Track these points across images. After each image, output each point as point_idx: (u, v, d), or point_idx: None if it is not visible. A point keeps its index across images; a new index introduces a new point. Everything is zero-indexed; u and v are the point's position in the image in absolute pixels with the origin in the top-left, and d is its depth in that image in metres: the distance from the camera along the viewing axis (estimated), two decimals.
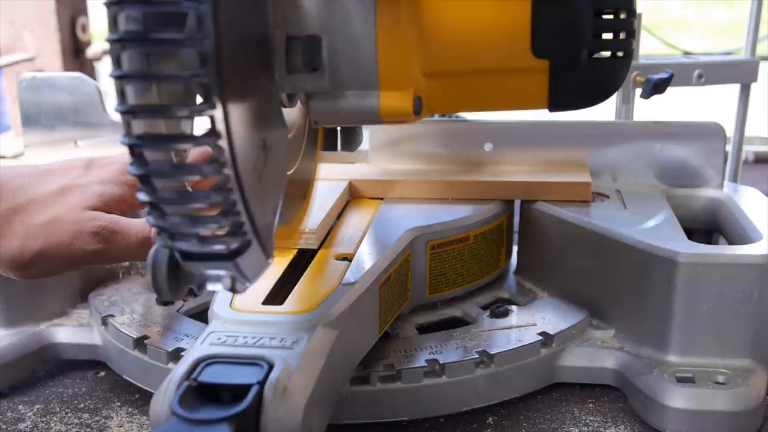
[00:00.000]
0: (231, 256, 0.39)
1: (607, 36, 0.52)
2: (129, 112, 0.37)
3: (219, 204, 0.38)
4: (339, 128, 0.63)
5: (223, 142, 0.36)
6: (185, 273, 0.41)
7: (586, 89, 0.52)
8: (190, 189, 0.39)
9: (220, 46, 0.35)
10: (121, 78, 0.36)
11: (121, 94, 0.37)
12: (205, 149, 0.37)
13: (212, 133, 0.36)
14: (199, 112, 0.36)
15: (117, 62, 0.36)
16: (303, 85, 0.49)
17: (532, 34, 0.50)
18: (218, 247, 0.39)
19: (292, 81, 0.49)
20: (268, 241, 0.42)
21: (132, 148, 0.37)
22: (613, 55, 0.52)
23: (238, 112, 0.38)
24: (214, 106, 0.36)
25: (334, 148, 0.64)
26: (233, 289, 0.41)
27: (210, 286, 0.41)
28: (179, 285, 0.42)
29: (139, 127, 0.37)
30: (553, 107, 0.53)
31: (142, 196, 0.38)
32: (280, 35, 0.48)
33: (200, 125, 0.38)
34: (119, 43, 0.36)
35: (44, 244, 0.53)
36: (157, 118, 0.38)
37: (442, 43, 0.51)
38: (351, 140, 0.62)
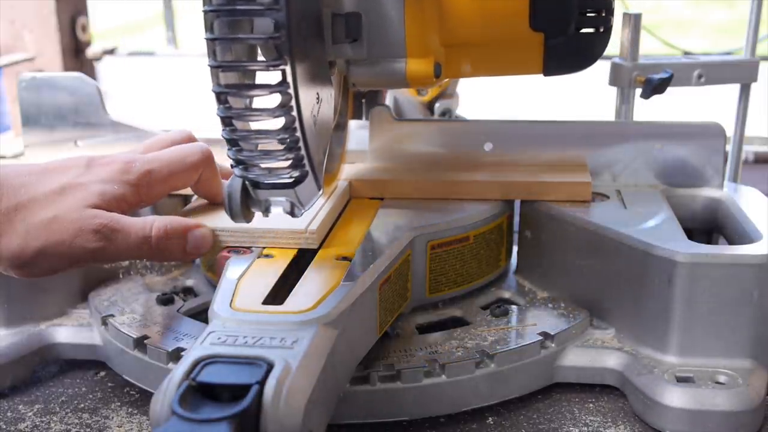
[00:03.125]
0: (293, 185, 0.51)
1: (591, 14, 0.63)
2: (218, 67, 0.48)
3: (285, 140, 0.49)
4: (363, 100, 0.77)
5: (291, 91, 0.47)
6: (254, 199, 0.52)
7: (574, 58, 0.64)
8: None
9: (290, 17, 0.46)
10: (213, 40, 0.48)
11: (213, 54, 0.48)
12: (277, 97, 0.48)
13: (283, 83, 0.47)
14: (275, 66, 0.47)
15: (210, 27, 0.47)
16: (346, 53, 0.60)
17: (531, 12, 0.61)
18: (282, 177, 0.50)
19: (336, 49, 0.58)
20: (319, 174, 0.53)
21: (219, 96, 0.48)
22: (596, 29, 0.63)
23: (300, 68, 0.48)
24: (285, 63, 0.47)
25: (360, 117, 0.78)
26: (292, 213, 0.53)
27: (273, 209, 0.53)
28: (249, 209, 0.53)
29: (225, 78, 0.49)
30: (547, 72, 0.64)
31: (225, 134, 0.49)
32: (328, 12, 0.57)
33: (270, 78, 0.48)
34: (213, 12, 0.47)
35: (45, 243, 0.53)
36: (240, 71, 0.49)
37: (457, 19, 0.62)
38: (374, 102, 0.76)
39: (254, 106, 0.50)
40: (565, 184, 0.69)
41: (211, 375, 0.42)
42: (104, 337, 0.63)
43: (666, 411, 0.54)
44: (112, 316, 0.63)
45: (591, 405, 0.58)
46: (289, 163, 0.50)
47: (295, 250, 0.59)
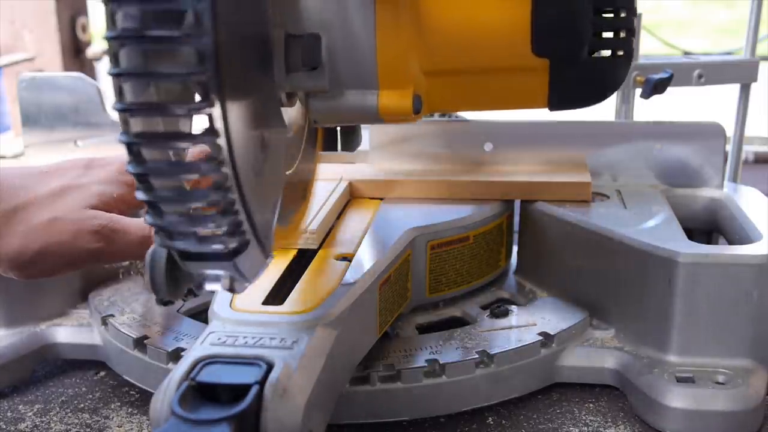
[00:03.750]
0: (230, 256, 0.39)
1: (608, 35, 0.52)
2: (127, 110, 0.36)
3: (217, 203, 0.38)
4: (339, 128, 0.63)
5: (221, 141, 0.36)
6: (183, 272, 0.41)
7: (586, 88, 0.53)
8: (188, 188, 0.39)
9: (219, 44, 0.35)
10: (118, 75, 0.36)
11: (119, 92, 0.36)
12: (204, 148, 0.37)
13: (211, 131, 0.36)
14: (198, 110, 0.36)
15: (115, 60, 0.36)
16: (302, 84, 0.49)
17: (532, 33, 0.50)
18: (217, 247, 0.39)
19: (291, 80, 0.48)
20: (266, 240, 0.42)
21: (130, 147, 0.37)
22: (614, 54, 0.52)
23: (236, 110, 0.37)
24: (212, 104, 0.35)
25: (334, 149, 0.64)
26: (232, 289, 0.41)
27: (208, 286, 0.41)
28: (177, 285, 0.41)
29: (137, 125, 0.37)
30: (553, 106, 0.53)
31: (140, 195, 0.38)
32: (279, 34, 0.47)
33: (199, 124, 0.37)
34: (117, 40, 0.36)
35: (45, 244, 0.53)
36: (155, 117, 0.38)
37: (442, 42, 0.51)
38: (351, 140, 0.62)
39: (176, 159, 0.39)
40: (565, 184, 0.69)
41: (211, 375, 0.42)
42: (104, 337, 0.63)
43: (666, 411, 0.54)
44: (112, 316, 0.63)
45: (591, 405, 0.58)
46: (224, 230, 0.39)
47: (295, 250, 0.59)
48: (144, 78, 0.37)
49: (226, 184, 0.37)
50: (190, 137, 0.37)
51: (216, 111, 0.36)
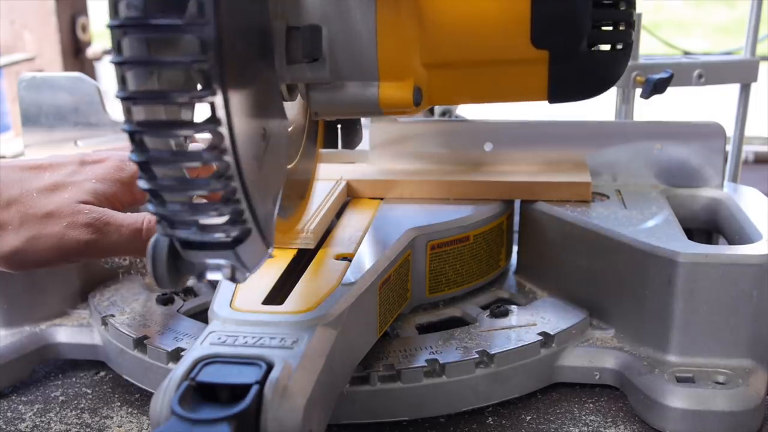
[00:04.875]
0: (231, 245, 0.39)
1: (607, 27, 0.52)
2: (129, 99, 0.37)
3: (219, 191, 0.38)
4: (339, 125, 0.63)
5: (223, 129, 0.36)
6: (185, 262, 0.40)
7: (586, 81, 0.53)
8: (189, 177, 0.39)
9: (221, 33, 0.35)
10: (121, 64, 0.36)
11: (122, 81, 0.37)
12: (206, 136, 0.37)
13: (212, 119, 0.36)
14: (200, 98, 0.36)
15: (118, 48, 0.36)
16: (303, 76, 0.49)
17: (532, 25, 0.50)
18: (218, 236, 0.39)
19: (292, 71, 0.49)
20: (268, 230, 0.42)
21: (132, 135, 0.37)
22: (613, 46, 0.53)
23: (238, 99, 0.37)
24: (214, 93, 0.36)
25: (335, 146, 0.64)
26: (233, 279, 0.41)
27: (210, 275, 0.41)
28: (179, 274, 0.41)
29: (139, 113, 0.37)
30: (553, 99, 0.54)
31: (143, 184, 0.38)
32: (281, 25, 0.47)
33: (202, 112, 0.38)
34: (120, 29, 0.36)
35: (37, 234, 0.54)
36: (157, 105, 0.38)
37: (442, 34, 0.51)
38: (351, 137, 0.62)
39: (178, 148, 0.40)
40: (565, 184, 0.69)
41: (211, 375, 0.42)
42: (104, 337, 0.63)
43: (666, 411, 0.54)
44: (112, 316, 0.63)
45: (591, 405, 0.58)
46: (225, 218, 0.39)
47: (295, 250, 0.59)
48: (147, 66, 0.37)
49: (228, 172, 0.37)
50: (192, 125, 0.37)
51: (218, 99, 0.36)
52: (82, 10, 1.99)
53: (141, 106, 0.37)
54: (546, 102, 0.54)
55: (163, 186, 0.38)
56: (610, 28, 0.52)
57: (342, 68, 0.49)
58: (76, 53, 1.96)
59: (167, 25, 0.35)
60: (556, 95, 0.53)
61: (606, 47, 0.52)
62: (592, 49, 0.52)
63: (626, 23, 0.52)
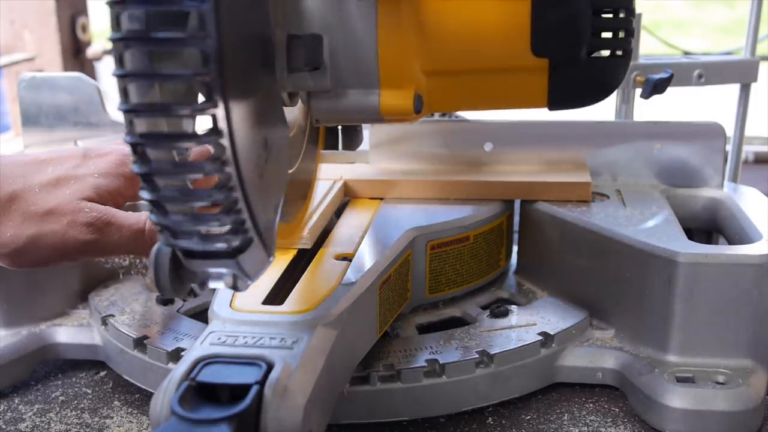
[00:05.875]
0: (233, 254, 0.40)
1: (606, 35, 0.52)
2: (131, 111, 0.37)
3: (221, 202, 0.38)
4: (340, 127, 0.63)
5: (224, 141, 0.37)
6: (187, 271, 0.41)
7: (586, 88, 0.53)
8: (192, 187, 0.39)
9: (222, 45, 0.36)
10: (123, 77, 0.37)
11: (124, 93, 0.37)
12: (207, 148, 0.38)
13: (214, 131, 0.37)
14: (202, 110, 0.36)
15: (120, 61, 0.37)
16: (305, 84, 0.50)
17: (532, 33, 0.51)
18: (220, 245, 0.40)
19: (293, 80, 0.49)
20: (269, 239, 0.43)
21: (134, 147, 0.38)
22: (612, 53, 0.53)
23: (239, 110, 0.38)
24: (216, 105, 0.36)
25: (336, 147, 0.64)
26: (235, 287, 0.41)
27: (212, 284, 0.41)
28: (181, 283, 0.42)
29: (141, 125, 0.38)
30: (553, 106, 0.54)
31: (145, 195, 0.39)
32: (282, 34, 0.48)
33: (202, 124, 0.38)
34: (122, 42, 0.36)
35: (38, 233, 0.54)
36: (159, 117, 0.38)
37: (443, 42, 0.51)
38: (352, 139, 0.63)
39: (180, 159, 0.40)
40: (565, 184, 0.69)
41: (211, 375, 0.42)
42: (104, 337, 0.63)
43: (666, 411, 0.54)
44: (112, 316, 0.63)
45: (591, 405, 0.58)
46: (227, 228, 0.40)
47: (295, 250, 0.59)
48: (148, 79, 0.37)
49: (230, 183, 0.38)
50: (194, 137, 0.38)
51: (219, 111, 0.36)
52: (82, 10, 1.99)
53: (143, 118, 0.38)
54: (546, 109, 0.55)
55: (165, 197, 0.39)
56: (610, 35, 0.52)
57: (343, 76, 0.50)
58: (76, 53, 1.96)
59: (169, 39, 0.36)
60: (556, 102, 0.54)
61: (606, 54, 0.53)
62: (592, 56, 0.52)
63: (626, 31, 0.52)
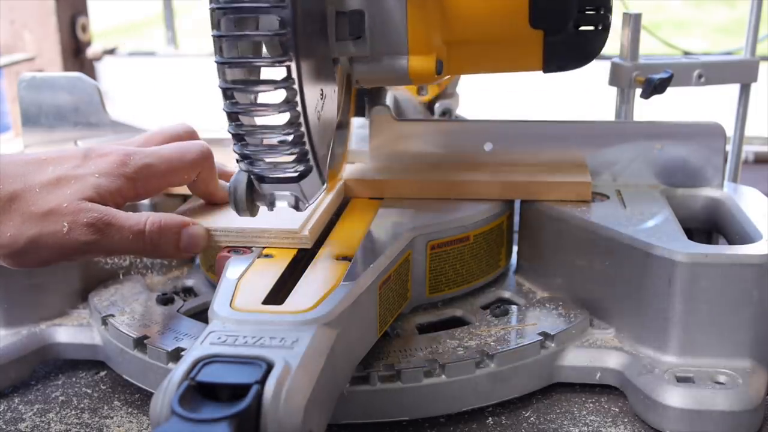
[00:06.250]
0: (297, 179, 0.52)
1: (590, 12, 0.64)
2: (225, 63, 0.49)
3: (290, 135, 0.50)
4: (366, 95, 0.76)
5: (296, 86, 0.49)
6: (258, 193, 0.53)
7: (573, 55, 0.65)
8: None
9: (295, 15, 0.48)
10: (220, 37, 0.49)
11: (219, 50, 0.49)
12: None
13: (288, 79, 0.49)
14: (280, 62, 0.48)
15: (217, 25, 0.49)
16: (348, 50, 0.60)
17: (530, 10, 0.62)
18: (287, 172, 0.52)
19: (340, 47, 0.59)
20: (324, 169, 0.54)
21: (225, 91, 0.50)
22: (595, 27, 0.64)
23: (305, 65, 0.50)
24: (291, 59, 0.48)
25: (362, 114, 0.78)
26: (296, 207, 0.53)
27: (278, 204, 0.54)
28: (253, 203, 0.54)
29: (232, 74, 0.50)
30: (546, 69, 0.65)
31: (231, 129, 0.51)
32: (332, 10, 0.58)
33: (273, 74, 0.49)
34: (221, 10, 0.48)
35: (38, 233, 0.54)
36: (246, 67, 0.50)
37: (459, 17, 0.62)
38: (377, 99, 0.77)
39: (260, 101, 0.51)
40: (565, 184, 0.69)
41: (211, 375, 0.42)
42: (104, 337, 0.63)
43: (666, 411, 0.54)
44: (112, 316, 0.63)
45: (591, 405, 0.58)
46: (293, 157, 0.51)
47: (295, 250, 0.59)
48: (240, 39, 0.50)
49: (298, 120, 0.50)
50: (272, 83, 0.49)
51: (293, 64, 0.48)
52: (82, 10, 1.99)
53: (234, 68, 0.50)
54: (541, 72, 0.66)
55: (246, 131, 0.50)
56: (593, 12, 0.64)
57: (379, 45, 0.60)
58: (76, 53, 1.96)
59: (257, 7, 0.48)
60: (549, 66, 0.65)
61: (590, 28, 0.64)
62: (579, 29, 0.64)
63: (605, 8, 0.64)
